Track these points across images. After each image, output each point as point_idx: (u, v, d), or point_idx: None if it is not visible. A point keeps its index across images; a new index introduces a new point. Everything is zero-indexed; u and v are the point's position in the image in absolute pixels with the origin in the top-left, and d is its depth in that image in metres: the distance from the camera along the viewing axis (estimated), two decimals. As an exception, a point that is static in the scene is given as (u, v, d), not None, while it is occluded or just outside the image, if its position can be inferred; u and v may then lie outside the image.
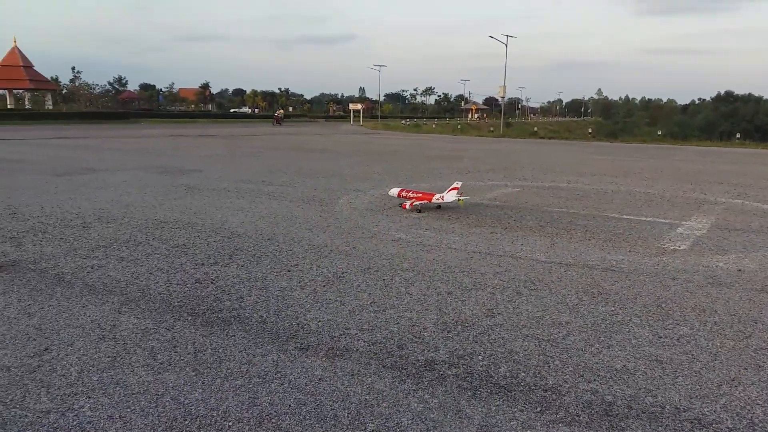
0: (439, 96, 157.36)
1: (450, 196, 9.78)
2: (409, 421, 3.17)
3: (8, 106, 66.57)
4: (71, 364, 3.72)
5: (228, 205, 9.91)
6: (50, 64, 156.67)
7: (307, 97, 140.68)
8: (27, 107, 64.20)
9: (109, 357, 3.86)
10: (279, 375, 3.66)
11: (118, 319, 4.53)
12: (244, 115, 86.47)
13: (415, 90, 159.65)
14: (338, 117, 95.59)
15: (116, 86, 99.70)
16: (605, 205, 10.86)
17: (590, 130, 44.81)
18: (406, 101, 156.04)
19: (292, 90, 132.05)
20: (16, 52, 66.77)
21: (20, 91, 67.94)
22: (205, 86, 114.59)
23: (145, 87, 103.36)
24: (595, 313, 4.89)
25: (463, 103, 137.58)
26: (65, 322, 4.44)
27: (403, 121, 74.10)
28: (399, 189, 10.54)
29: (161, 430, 3.01)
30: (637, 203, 11.14)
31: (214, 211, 9.28)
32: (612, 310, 4.98)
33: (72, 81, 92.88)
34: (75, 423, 3.04)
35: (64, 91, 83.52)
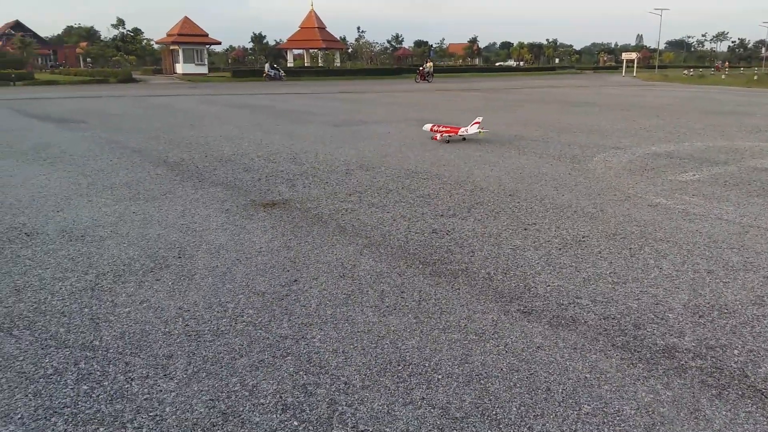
0: (733, 42, 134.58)
1: (473, 129, 11.72)
2: (633, 411, 2.81)
3: (305, 64, 76.15)
4: (312, 297, 4.13)
5: (476, 158, 9.93)
6: (340, 25, 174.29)
7: (577, 47, 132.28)
8: (319, 65, 72.53)
9: (344, 294, 4.18)
10: (496, 336, 3.56)
11: (358, 260, 4.88)
12: (509, 69, 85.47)
13: (702, 36, 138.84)
14: (608, 68, 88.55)
15: (393, 44, 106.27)
16: None
17: None
18: (692, 49, 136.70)
19: (560, 41, 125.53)
20: (312, 15, 75.45)
21: (315, 50, 76.94)
22: (473, 41, 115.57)
23: (419, 43, 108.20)
24: None
25: (764, 49, 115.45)
26: (315, 258, 4.93)
27: (685, 71, 65.17)
28: (431, 124, 12.60)
29: (375, 370, 3.17)
30: None
31: (461, 163, 9.39)
32: None
33: (357, 40, 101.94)
34: (304, 351, 3.37)
35: (349, 50, 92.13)
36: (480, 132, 11.76)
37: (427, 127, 12.63)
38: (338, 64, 74.70)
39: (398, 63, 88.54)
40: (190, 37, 55.42)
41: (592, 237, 5.49)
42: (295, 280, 4.44)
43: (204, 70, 56.67)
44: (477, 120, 11.92)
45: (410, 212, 6.40)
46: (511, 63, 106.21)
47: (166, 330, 3.61)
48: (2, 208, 6.63)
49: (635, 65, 67.60)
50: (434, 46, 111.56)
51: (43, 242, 5.37)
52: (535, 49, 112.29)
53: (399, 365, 3.22)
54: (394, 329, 3.64)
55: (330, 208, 6.62)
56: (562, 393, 2.96)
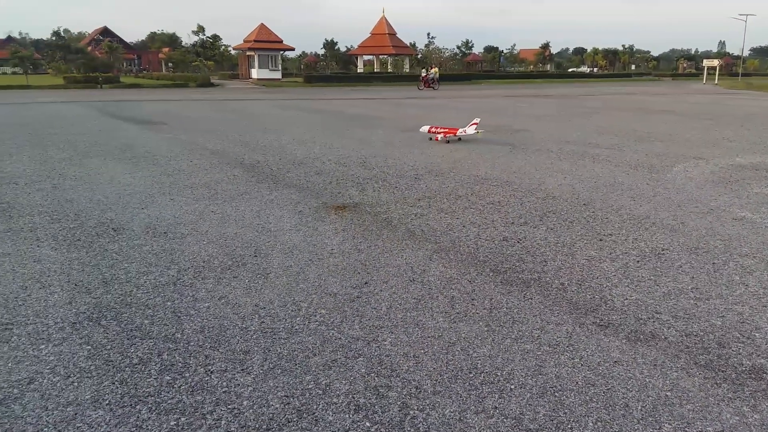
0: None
1: (470, 130, 12.38)
2: (718, 434, 2.68)
3: (374, 69, 76.94)
4: (383, 300, 4.16)
5: (548, 165, 9.73)
6: (410, 31, 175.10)
7: (655, 53, 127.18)
8: (389, 71, 73.09)
9: (414, 299, 4.19)
10: (571, 348, 3.47)
11: (428, 265, 4.88)
12: (582, 75, 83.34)
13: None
14: (688, 75, 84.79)
15: (463, 50, 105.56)
16: None
17: None
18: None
19: (637, 46, 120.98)
20: (383, 21, 76.13)
21: (384, 56, 77.59)
22: (545, 46, 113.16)
23: (489, 49, 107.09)
24: None
25: None
26: (385, 262, 4.97)
27: (771, 79, 61.33)
28: (429, 126, 13.18)
29: (447, 377, 3.16)
30: None
31: (533, 171, 9.23)
32: None
33: (426, 46, 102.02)
34: (376, 354, 3.40)
35: (419, 56, 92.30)
36: (478, 133, 12.44)
37: (425, 128, 13.22)
38: (407, 70, 74.99)
39: (468, 69, 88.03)
40: (265, 44, 57.02)
41: (672, 250, 5.27)
42: (366, 283, 4.49)
43: (278, 75, 58.15)
44: (475, 121, 12.66)
45: (480, 219, 6.34)
46: (585, 69, 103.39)
47: (243, 326, 3.74)
48: (91, 204, 7.05)
49: (717, 72, 64.33)
50: (505, 51, 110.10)
51: (129, 237, 5.67)
52: (610, 55, 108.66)
53: (470, 372, 3.20)
54: (465, 336, 3.62)
55: (399, 212, 6.65)
56: (641, 410, 2.86)
